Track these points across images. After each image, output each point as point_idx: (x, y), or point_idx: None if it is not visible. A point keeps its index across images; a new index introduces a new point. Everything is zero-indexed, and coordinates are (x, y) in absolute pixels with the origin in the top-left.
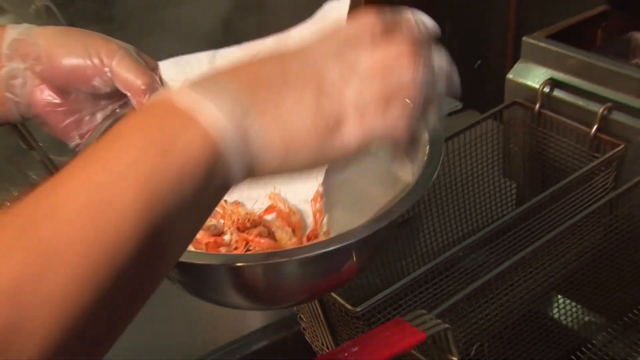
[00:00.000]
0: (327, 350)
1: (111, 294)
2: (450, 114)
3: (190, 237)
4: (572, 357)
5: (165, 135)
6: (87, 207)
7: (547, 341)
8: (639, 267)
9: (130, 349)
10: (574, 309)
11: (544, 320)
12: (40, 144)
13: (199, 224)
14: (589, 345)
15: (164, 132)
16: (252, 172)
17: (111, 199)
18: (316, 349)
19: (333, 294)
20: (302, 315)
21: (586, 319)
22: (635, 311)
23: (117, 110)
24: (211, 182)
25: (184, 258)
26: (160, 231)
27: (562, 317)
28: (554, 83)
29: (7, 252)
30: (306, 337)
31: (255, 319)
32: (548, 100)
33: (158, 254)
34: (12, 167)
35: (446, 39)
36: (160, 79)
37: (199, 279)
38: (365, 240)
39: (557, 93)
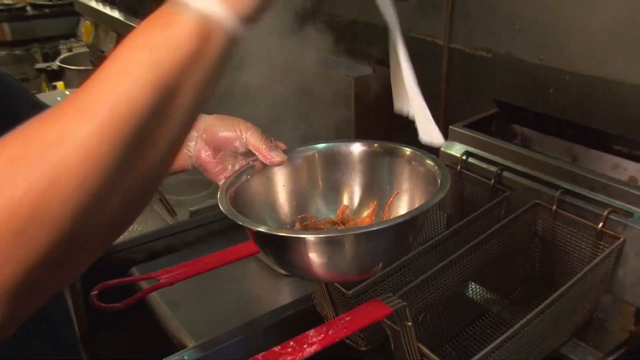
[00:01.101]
0: (330, 319)
1: (132, 146)
2: None
3: (199, 90)
4: (477, 321)
5: (164, 15)
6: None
7: (463, 311)
8: (519, 264)
9: (204, 316)
10: (480, 290)
11: (462, 298)
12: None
13: (206, 78)
14: (489, 314)
15: (163, 13)
16: (242, 18)
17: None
18: (324, 317)
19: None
20: (314, 295)
21: (487, 296)
22: (517, 291)
23: (250, 163)
24: (209, 40)
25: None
26: (169, 84)
27: (473, 295)
28: (468, 153)
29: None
30: (317, 309)
31: (284, 296)
32: (465, 164)
33: (170, 104)
34: None
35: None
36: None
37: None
38: (418, 219)
39: (470, 159)
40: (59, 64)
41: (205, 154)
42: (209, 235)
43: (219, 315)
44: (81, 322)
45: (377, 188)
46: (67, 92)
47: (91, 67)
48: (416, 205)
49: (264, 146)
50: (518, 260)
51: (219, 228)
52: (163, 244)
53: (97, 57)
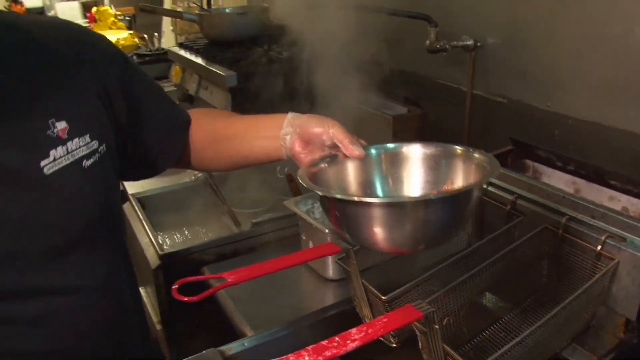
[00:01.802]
0: (367, 319)
1: None
2: None
3: None
4: (492, 326)
5: None
6: None
7: (480, 317)
8: (529, 278)
9: (261, 311)
10: (495, 299)
11: (479, 306)
12: (226, 199)
13: None
14: (502, 320)
15: None
16: None
17: None
18: (362, 318)
19: (371, 287)
20: (354, 298)
21: (500, 304)
22: (527, 301)
23: (331, 153)
24: None
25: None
26: None
27: (488, 304)
28: (488, 183)
29: None
30: (356, 310)
31: (328, 298)
32: (485, 192)
33: None
34: (211, 214)
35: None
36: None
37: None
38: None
39: (490, 188)
40: None
41: (298, 146)
42: (267, 243)
43: (274, 310)
44: (163, 308)
45: (435, 182)
46: None
47: (177, 102)
48: None
49: (347, 140)
50: (528, 275)
51: (275, 237)
52: (229, 249)
53: (182, 95)
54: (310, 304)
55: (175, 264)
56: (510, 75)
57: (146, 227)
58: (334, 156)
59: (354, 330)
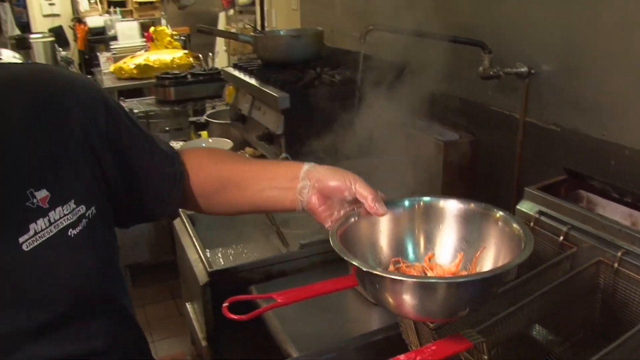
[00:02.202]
0: (414, 346)
1: None
2: None
3: None
4: None
5: None
6: None
7: (529, 349)
8: (581, 312)
9: (308, 332)
10: (544, 332)
11: (529, 338)
12: (275, 219)
13: None
14: (552, 354)
15: None
16: None
17: None
18: (408, 344)
19: None
20: (401, 324)
21: (550, 338)
22: (578, 336)
23: (355, 209)
24: None
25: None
26: None
27: (538, 336)
28: (540, 212)
29: None
30: (403, 336)
31: (374, 322)
32: (537, 221)
33: None
34: (260, 233)
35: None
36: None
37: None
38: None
39: (542, 217)
40: (206, 118)
41: (316, 201)
42: (314, 264)
43: (319, 332)
44: (209, 325)
45: (465, 242)
46: (209, 140)
47: (230, 122)
48: (500, 263)
49: (371, 197)
50: (580, 308)
51: (322, 259)
52: (277, 269)
53: (235, 114)
54: (356, 327)
55: (223, 282)
56: (564, 103)
57: (196, 244)
58: (358, 212)
59: (402, 357)
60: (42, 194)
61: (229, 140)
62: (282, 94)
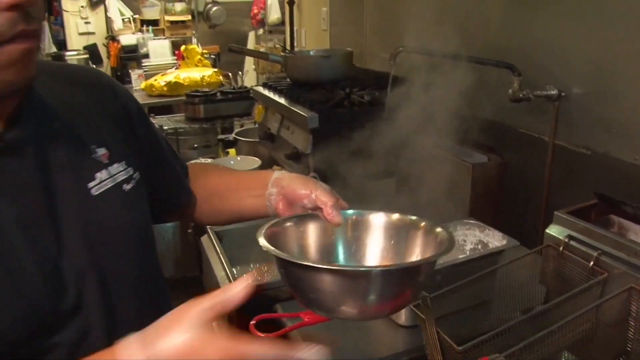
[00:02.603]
0: None
1: None
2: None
3: None
4: None
5: None
6: None
7: None
8: (612, 340)
9: (334, 353)
10: (573, 359)
11: None
12: None
13: None
14: None
15: None
16: None
17: None
18: None
19: (445, 336)
20: (427, 346)
21: None
22: None
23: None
24: None
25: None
26: None
27: None
28: (570, 237)
29: None
30: (428, 359)
31: (399, 344)
32: (566, 246)
33: None
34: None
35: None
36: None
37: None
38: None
39: (572, 242)
40: (234, 136)
41: (282, 206)
42: None
43: (344, 352)
44: None
45: (392, 252)
46: (238, 158)
47: (258, 140)
48: None
49: (330, 204)
50: (611, 336)
51: None
52: None
53: (263, 133)
54: (381, 349)
55: (251, 299)
56: (595, 127)
57: (223, 261)
58: (303, 216)
59: None
60: (102, 150)
61: (256, 159)
62: (311, 114)
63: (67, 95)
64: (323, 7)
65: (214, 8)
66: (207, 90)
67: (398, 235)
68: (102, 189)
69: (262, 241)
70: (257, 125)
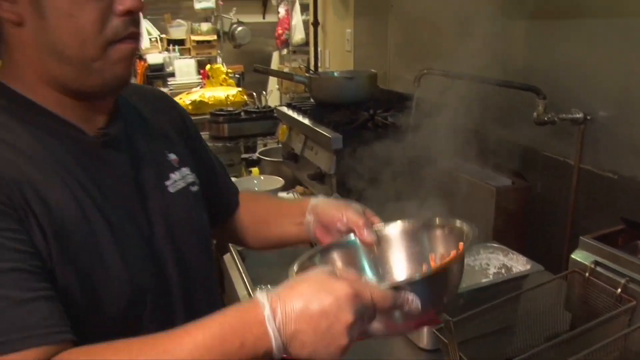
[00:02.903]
0: None
1: None
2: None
3: None
4: None
5: (242, 333)
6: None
7: None
8: None
9: None
10: None
11: None
12: None
13: None
14: None
15: (243, 329)
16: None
17: None
18: None
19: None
20: None
21: None
22: None
23: (346, 236)
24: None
25: None
26: None
27: None
28: (596, 263)
29: None
30: None
31: None
32: (592, 272)
33: None
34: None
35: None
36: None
37: None
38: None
39: (598, 268)
40: (258, 155)
41: (319, 233)
42: None
43: None
44: None
45: (416, 258)
46: (261, 177)
47: (281, 160)
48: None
49: (361, 222)
50: None
51: None
52: None
53: (287, 153)
54: None
55: None
56: (622, 150)
57: (245, 280)
58: (328, 247)
59: None
60: (172, 156)
61: (279, 178)
62: (335, 135)
63: (139, 106)
64: (347, 28)
65: (239, 28)
66: (231, 109)
67: (418, 240)
68: (177, 188)
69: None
70: (280, 145)
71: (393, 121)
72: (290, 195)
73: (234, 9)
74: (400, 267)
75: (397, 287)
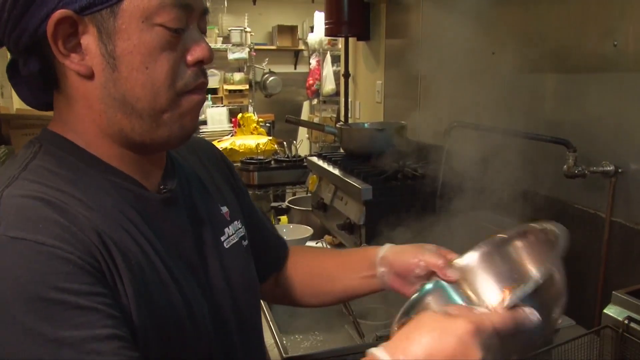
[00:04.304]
0: None
1: None
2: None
3: None
4: None
5: None
6: None
7: None
8: None
9: None
10: None
11: None
12: (353, 310)
13: None
14: None
15: None
16: None
17: None
18: None
19: None
20: None
21: None
22: None
23: (425, 282)
24: None
25: None
26: None
27: None
28: (630, 318)
29: None
30: None
31: None
32: (627, 328)
33: None
34: (336, 321)
35: None
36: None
37: None
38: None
39: (632, 324)
40: (287, 204)
41: (396, 283)
42: None
43: None
44: None
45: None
46: (290, 226)
47: (310, 209)
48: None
49: (440, 264)
50: None
51: None
52: (352, 359)
53: (317, 202)
54: None
55: None
56: None
57: (272, 328)
58: (418, 297)
59: None
60: (224, 209)
61: (308, 227)
62: (365, 186)
63: (189, 158)
64: (378, 80)
65: (271, 78)
66: (261, 157)
67: (502, 258)
68: (231, 243)
69: None
70: (309, 194)
71: (423, 173)
72: (319, 245)
73: (267, 59)
74: (493, 292)
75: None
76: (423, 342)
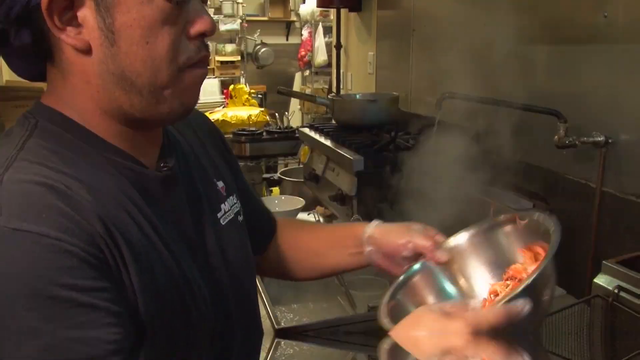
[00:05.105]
0: None
1: None
2: None
3: None
4: None
5: None
6: None
7: None
8: None
9: None
10: None
11: None
12: (345, 281)
13: None
14: None
15: None
16: None
17: None
18: None
19: None
20: None
21: None
22: None
23: (413, 264)
24: None
25: None
26: None
27: None
28: (620, 288)
29: None
30: None
31: None
32: (617, 297)
33: None
34: (328, 292)
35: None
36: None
37: None
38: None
39: (622, 294)
40: (279, 175)
41: (383, 262)
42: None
43: None
44: None
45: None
46: (282, 197)
47: (302, 180)
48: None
49: (430, 246)
50: None
51: None
52: (343, 330)
53: (308, 174)
54: None
55: (289, 339)
56: None
57: (265, 299)
58: (405, 278)
59: None
60: (220, 184)
61: (300, 199)
62: (357, 157)
63: (185, 132)
64: (370, 51)
65: (263, 49)
66: (253, 129)
67: (491, 242)
68: (227, 220)
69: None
70: (301, 166)
71: (414, 144)
72: (311, 216)
73: (258, 30)
74: (481, 275)
75: (508, 301)
76: (423, 347)
